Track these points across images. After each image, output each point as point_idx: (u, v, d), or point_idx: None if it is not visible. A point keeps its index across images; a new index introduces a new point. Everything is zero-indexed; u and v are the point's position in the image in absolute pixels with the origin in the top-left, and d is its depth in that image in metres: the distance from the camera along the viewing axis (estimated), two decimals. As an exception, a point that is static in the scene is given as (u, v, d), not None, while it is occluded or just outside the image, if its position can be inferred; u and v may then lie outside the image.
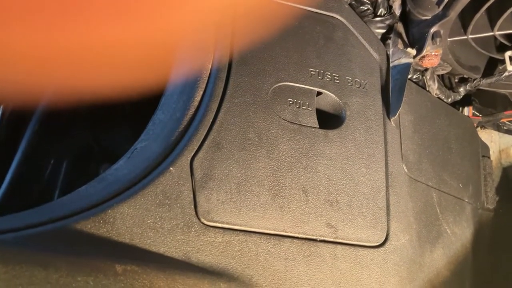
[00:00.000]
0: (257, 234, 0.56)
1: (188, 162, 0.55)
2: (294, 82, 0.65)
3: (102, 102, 0.47)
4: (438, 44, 0.75)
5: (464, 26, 0.79)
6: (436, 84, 0.85)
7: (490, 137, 1.06)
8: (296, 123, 0.63)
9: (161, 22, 0.40)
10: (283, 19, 0.68)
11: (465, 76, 0.90)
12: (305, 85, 0.66)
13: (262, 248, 0.55)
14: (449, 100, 0.88)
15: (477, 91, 0.96)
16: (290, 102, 0.64)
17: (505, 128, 1.03)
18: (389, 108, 0.71)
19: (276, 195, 0.58)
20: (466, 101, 0.96)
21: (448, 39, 0.79)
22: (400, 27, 0.78)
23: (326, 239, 0.59)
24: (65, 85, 0.45)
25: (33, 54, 0.36)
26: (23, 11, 0.32)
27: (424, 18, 0.75)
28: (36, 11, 0.32)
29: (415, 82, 0.83)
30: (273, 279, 0.54)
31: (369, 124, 0.68)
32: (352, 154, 0.65)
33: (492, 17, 0.78)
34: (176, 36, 0.45)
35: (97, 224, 0.48)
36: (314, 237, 0.59)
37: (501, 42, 0.82)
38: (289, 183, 0.59)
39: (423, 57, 0.77)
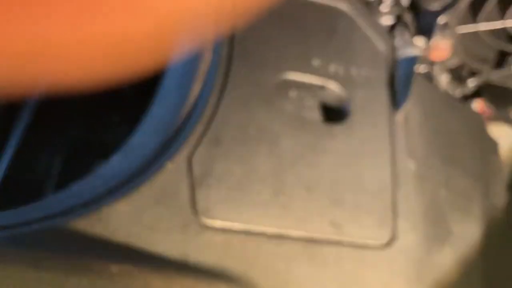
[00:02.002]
0: (258, 233, 0.54)
1: (186, 158, 0.54)
2: (297, 75, 0.64)
3: (98, 93, 0.46)
4: (446, 35, 0.73)
5: (474, 17, 0.78)
6: (445, 77, 0.84)
7: (499, 133, 1.05)
8: (298, 118, 0.62)
9: (159, 11, 0.38)
10: (285, 9, 0.67)
11: (474, 69, 0.89)
12: (308, 78, 0.65)
13: (263, 248, 0.54)
14: (458, 93, 0.87)
15: (487, 85, 0.95)
16: (293, 96, 0.63)
17: (515, 123, 1.02)
18: (395, 102, 0.69)
19: (278, 192, 0.57)
20: (475, 95, 0.95)
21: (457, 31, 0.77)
22: (407, 18, 0.77)
23: (330, 238, 0.58)
24: (58, 78, 0.44)
25: (23, 48, 0.34)
26: (13, 4, 0.30)
27: (432, 8, 0.74)
28: (26, 4, 0.30)
29: (422, 75, 0.82)
30: (275, 280, 0.53)
31: (374, 118, 0.67)
32: (357, 150, 0.64)
33: (503, 8, 0.77)
34: (174, 27, 0.43)
35: (91, 222, 0.48)
36: (318, 237, 0.57)
37: (512, 34, 0.81)
38: (291, 180, 0.58)
39: (431, 49, 0.75)
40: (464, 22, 0.78)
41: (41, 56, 0.36)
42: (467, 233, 0.74)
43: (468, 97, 0.94)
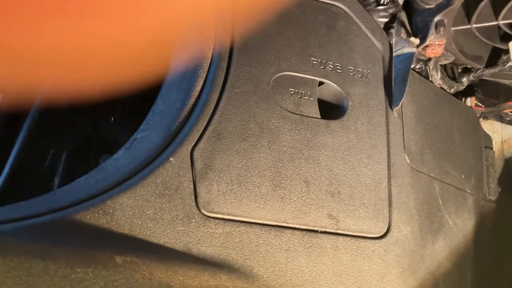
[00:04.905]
0: (258, 225, 0.55)
1: (189, 152, 0.55)
2: (296, 72, 0.65)
3: (100, 97, 0.46)
4: (441, 33, 0.74)
5: (468, 15, 0.79)
6: (439, 74, 0.84)
7: (492, 128, 1.05)
8: (297, 113, 0.63)
9: (160, 12, 0.39)
10: (284, 7, 0.67)
11: (468, 66, 0.90)
12: (306, 74, 0.65)
13: (263, 239, 0.55)
14: (452, 90, 0.88)
15: (480, 82, 0.96)
16: (292, 92, 0.64)
17: (507, 119, 1.03)
18: (391, 98, 0.70)
19: (277, 186, 0.58)
20: (469, 91, 0.95)
21: (452, 29, 0.78)
22: (403, 16, 0.77)
23: (328, 230, 0.59)
24: (62, 82, 0.45)
25: (27, 53, 0.35)
26: (17, 10, 0.31)
27: (427, 6, 0.75)
28: (29, 9, 0.31)
29: (418, 72, 0.82)
30: (274, 270, 0.54)
31: (371, 114, 0.68)
32: (354, 145, 0.64)
33: (496, 6, 0.78)
34: (176, 26, 0.44)
35: (96, 215, 0.48)
36: (316, 228, 0.58)
37: (505, 32, 0.82)
38: (290, 174, 0.59)
39: (427, 46, 0.76)
40: (458, 20, 0.79)
41: (47, 59, 0.36)
42: (460, 225, 0.75)
43: (461, 93, 0.94)
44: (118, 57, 0.41)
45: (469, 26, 0.79)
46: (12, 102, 0.74)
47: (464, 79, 0.89)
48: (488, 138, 0.94)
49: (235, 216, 0.54)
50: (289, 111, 0.62)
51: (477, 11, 0.76)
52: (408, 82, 0.71)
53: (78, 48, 0.37)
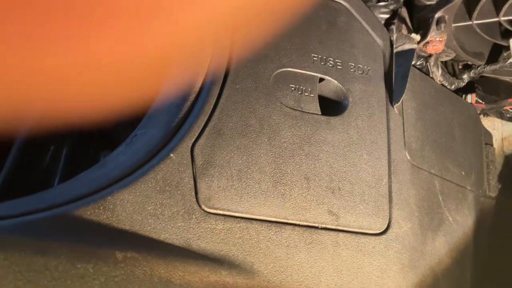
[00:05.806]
0: (258, 221, 0.55)
1: (189, 148, 0.55)
2: (296, 68, 0.65)
3: (93, 126, 0.46)
4: (442, 29, 0.74)
5: (469, 12, 0.79)
6: (440, 71, 0.84)
7: (493, 125, 1.06)
8: (298, 110, 0.62)
9: (163, 28, 0.39)
10: (285, 3, 0.67)
11: (469, 62, 0.90)
12: (307, 71, 0.65)
13: (263, 236, 0.55)
14: (453, 87, 0.88)
15: (481, 78, 0.96)
16: (292, 88, 0.64)
17: (508, 115, 1.03)
18: (392, 95, 0.70)
19: (278, 182, 0.58)
20: (469, 88, 0.95)
21: (453, 25, 0.78)
22: (404, 12, 0.77)
23: (328, 226, 0.59)
24: (51, 110, 0.44)
25: (13, 78, 0.35)
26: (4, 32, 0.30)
27: (428, 3, 0.75)
28: (18, 32, 0.31)
29: (418, 69, 0.82)
30: (274, 266, 0.54)
31: (372, 111, 0.68)
32: (355, 141, 0.64)
33: (498, 3, 0.78)
34: (178, 41, 0.43)
35: (97, 210, 0.48)
36: (316, 225, 0.58)
37: (506, 28, 0.81)
38: (290, 170, 0.59)
39: (427, 43, 0.76)
40: (459, 16, 0.78)
41: (35, 84, 0.36)
42: (460, 222, 0.75)
43: (462, 90, 0.94)
44: (118, 76, 0.41)
45: (470, 23, 0.79)
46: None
47: (465, 76, 0.89)
48: (488, 135, 0.94)
49: (236, 212, 0.54)
50: (290, 107, 0.62)
51: (478, 8, 0.76)
52: (408, 79, 0.71)
53: (74, 72, 0.36)
